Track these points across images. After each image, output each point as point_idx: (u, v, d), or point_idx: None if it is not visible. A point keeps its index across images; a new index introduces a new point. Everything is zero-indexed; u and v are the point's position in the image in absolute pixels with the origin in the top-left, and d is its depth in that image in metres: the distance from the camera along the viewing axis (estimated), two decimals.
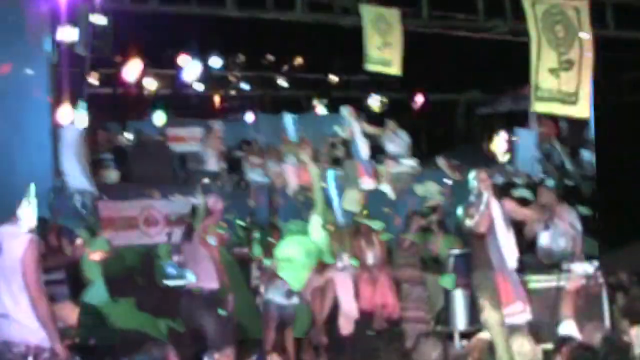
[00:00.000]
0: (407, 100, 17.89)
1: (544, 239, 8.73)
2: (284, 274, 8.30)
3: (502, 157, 13.88)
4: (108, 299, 7.82)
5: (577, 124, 15.40)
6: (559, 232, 8.75)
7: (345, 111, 11.34)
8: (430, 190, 11.26)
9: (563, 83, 7.78)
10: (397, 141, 14.12)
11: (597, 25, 8.50)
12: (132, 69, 13.77)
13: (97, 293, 7.84)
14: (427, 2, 10.74)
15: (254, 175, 13.41)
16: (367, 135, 12.19)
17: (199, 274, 7.43)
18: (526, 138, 14.34)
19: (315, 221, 8.55)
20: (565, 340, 5.74)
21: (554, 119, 15.34)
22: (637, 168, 12.76)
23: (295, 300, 8.25)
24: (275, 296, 8.33)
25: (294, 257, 8.33)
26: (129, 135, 14.62)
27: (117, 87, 15.10)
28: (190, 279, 7.54)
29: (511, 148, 14.01)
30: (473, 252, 7.35)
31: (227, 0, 11.26)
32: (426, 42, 12.78)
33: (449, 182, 11.32)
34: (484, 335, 6.98)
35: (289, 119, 13.48)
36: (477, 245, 7.19)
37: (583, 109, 7.75)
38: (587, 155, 14.02)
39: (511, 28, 10.72)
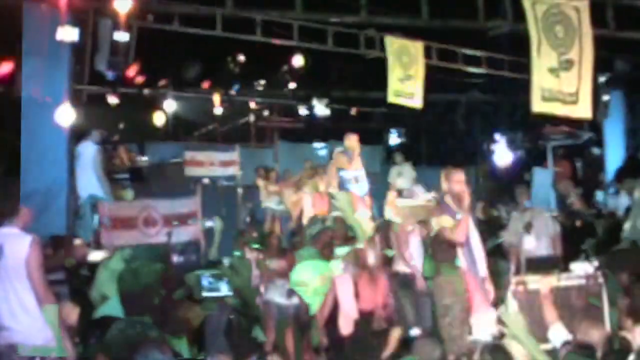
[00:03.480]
0: None
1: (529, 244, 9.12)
2: None
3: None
4: (123, 315, 7.72)
5: (593, 167, 15.38)
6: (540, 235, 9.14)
7: (349, 141, 10.78)
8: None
9: (563, 83, 7.78)
10: (405, 174, 14.12)
11: (597, 25, 8.43)
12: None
13: (112, 309, 7.76)
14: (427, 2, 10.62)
15: (270, 203, 13.37)
16: None
17: None
18: (543, 177, 14.29)
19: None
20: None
21: (570, 160, 15.27)
22: None
23: (295, 300, 8.20)
24: (275, 296, 8.29)
25: (309, 281, 8.28)
26: (146, 157, 14.63)
27: (137, 107, 15.06)
28: (224, 290, 7.56)
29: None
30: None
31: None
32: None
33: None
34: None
35: (308, 148, 13.41)
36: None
37: (584, 109, 7.75)
38: (601, 197, 14.03)
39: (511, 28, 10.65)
